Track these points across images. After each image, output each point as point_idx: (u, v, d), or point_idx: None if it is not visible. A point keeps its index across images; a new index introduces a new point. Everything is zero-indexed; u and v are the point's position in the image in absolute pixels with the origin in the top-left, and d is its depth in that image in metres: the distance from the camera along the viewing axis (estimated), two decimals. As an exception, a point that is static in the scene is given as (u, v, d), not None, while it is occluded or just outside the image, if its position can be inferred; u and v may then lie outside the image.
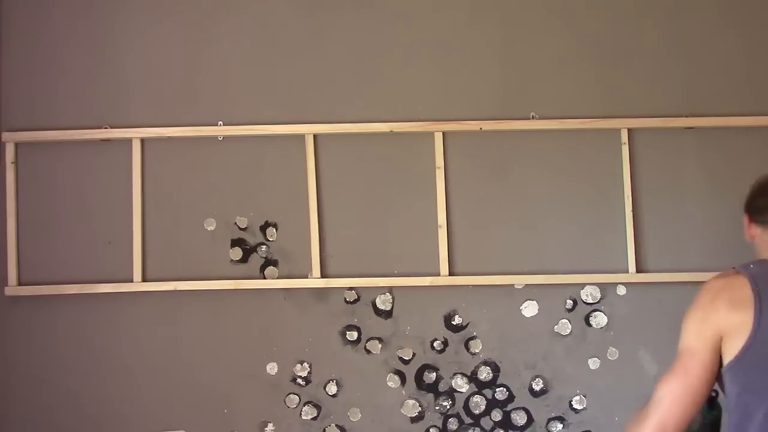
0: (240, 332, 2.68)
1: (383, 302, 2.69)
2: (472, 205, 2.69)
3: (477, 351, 2.67)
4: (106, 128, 2.71)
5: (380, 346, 2.68)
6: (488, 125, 2.67)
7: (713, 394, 1.70)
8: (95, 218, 2.71)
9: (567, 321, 2.65)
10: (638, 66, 2.70)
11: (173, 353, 2.69)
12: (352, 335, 2.69)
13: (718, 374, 1.64)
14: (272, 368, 2.68)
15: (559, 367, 2.65)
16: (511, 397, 2.67)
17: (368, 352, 2.69)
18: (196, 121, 2.72)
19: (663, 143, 2.67)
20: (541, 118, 2.68)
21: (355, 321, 2.69)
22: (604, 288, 2.66)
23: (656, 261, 2.65)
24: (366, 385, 2.68)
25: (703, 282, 2.62)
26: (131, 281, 2.67)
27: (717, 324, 1.63)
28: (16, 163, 2.71)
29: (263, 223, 2.71)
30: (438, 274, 2.66)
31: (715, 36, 2.70)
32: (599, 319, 2.65)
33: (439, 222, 2.67)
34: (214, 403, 2.68)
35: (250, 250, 2.71)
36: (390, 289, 2.68)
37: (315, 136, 2.70)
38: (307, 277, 2.68)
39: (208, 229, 2.71)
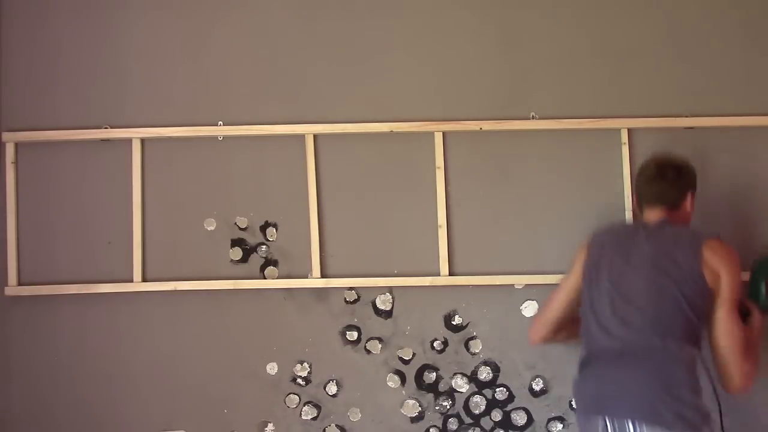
0: (240, 332, 2.68)
1: (383, 302, 2.69)
2: (472, 205, 2.69)
3: (477, 351, 2.67)
4: (106, 128, 2.71)
5: (380, 346, 2.68)
6: (488, 125, 2.66)
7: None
8: (95, 218, 2.71)
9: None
10: (638, 66, 2.70)
11: (173, 353, 2.69)
12: (352, 335, 2.69)
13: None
14: (272, 368, 2.68)
15: (559, 367, 2.65)
16: (511, 397, 2.67)
17: (368, 352, 2.69)
18: (196, 121, 2.72)
19: (663, 143, 2.67)
20: (541, 118, 2.68)
21: (355, 321, 2.69)
22: (604, 288, 2.65)
23: (656, 261, 2.65)
24: (366, 385, 2.68)
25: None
26: (131, 281, 2.67)
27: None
28: (16, 163, 2.71)
29: (263, 223, 2.71)
30: (438, 274, 2.66)
31: (716, 36, 2.70)
32: (599, 319, 2.65)
33: (439, 222, 2.67)
34: (214, 403, 2.68)
35: (250, 250, 2.71)
36: (390, 289, 2.68)
37: (315, 136, 2.70)
38: (307, 277, 2.68)
39: (208, 229, 2.71)
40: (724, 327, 2.16)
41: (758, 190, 2.66)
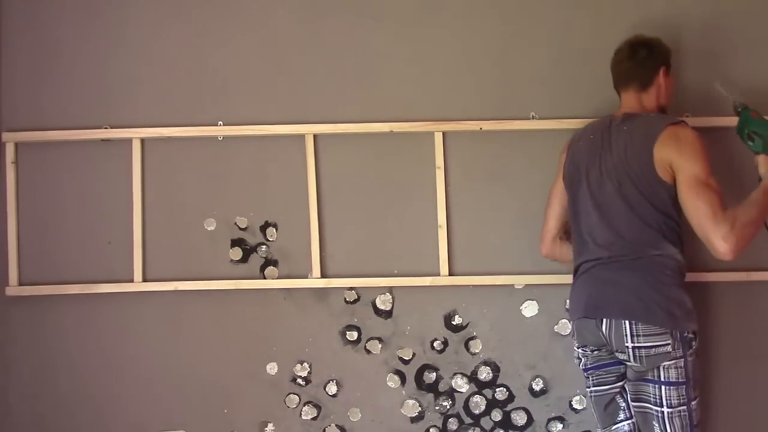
0: (240, 332, 2.69)
1: (383, 302, 2.69)
2: (472, 205, 2.69)
3: (477, 351, 2.67)
4: (106, 128, 2.71)
5: (380, 346, 2.68)
6: (488, 125, 2.66)
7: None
8: (95, 218, 2.71)
9: (567, 321, 2.64)
10: (638, 66, 2.69)
11: (173, 353, 2.69)
12: (352, 335, 2.69)
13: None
14: (272, 368, 2.69)
15: (559, 367, 2.65)
16: (511, 397, 2.67)
17: (368, 352, 2.69)
18: (196, 121, 2.72)
19: (663, 143, 2.67)
20: (541, 118, 2.68)
21: (355, 321, 2.69)
22: (604, 288, 2.65)
23: (656, 261, 2.65)
24: (366, 385, 2.68)
25: (701, 282, 2.64)
26: (132, 281, 2.68)
27: None
28: (16, 163, 2.71)
29: (263, 223, 2.71)
30: (438, 274, 2.66)
31: (713, 36, 2.69)
32: (599, 319, 2.65)
33: (439, 222, 2.67)
34: (214, 403, 2.68)
35: (250, 250, 2.71)
36: (390, 289, 2.68)
37: (315, 136, 2.70)
38: (307, 277, 2.68)
39: (208, 229, 2.71)
40: (686, 206, 2.14)
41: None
